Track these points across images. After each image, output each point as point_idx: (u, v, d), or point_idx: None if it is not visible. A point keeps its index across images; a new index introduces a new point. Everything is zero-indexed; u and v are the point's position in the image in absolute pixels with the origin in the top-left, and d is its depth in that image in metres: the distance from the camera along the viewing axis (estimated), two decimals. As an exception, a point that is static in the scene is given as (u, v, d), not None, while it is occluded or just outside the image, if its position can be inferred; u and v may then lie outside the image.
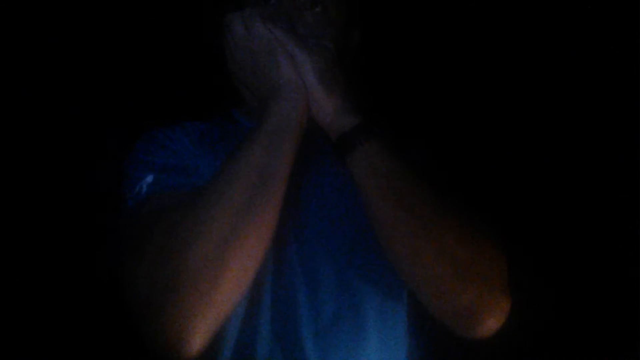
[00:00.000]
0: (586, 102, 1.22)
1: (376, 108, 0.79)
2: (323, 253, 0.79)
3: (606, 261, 1.25)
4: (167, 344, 0.65)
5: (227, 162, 0.69)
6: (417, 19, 1.16)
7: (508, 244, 0.74)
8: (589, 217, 1.25)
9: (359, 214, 0.79)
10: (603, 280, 1.25)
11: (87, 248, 1.20)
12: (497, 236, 0.73)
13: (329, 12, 0.81)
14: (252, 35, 0.74)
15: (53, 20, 1.15)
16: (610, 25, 1.17)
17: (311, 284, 0.78)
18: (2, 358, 1.17)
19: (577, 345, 1.24)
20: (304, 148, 0.79)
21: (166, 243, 0.65)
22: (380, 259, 0.78)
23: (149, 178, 0.77)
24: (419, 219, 0.69)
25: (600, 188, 1.24)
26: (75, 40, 1.18)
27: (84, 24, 1.17)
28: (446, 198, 0.72)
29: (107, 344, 1.21)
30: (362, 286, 0.79)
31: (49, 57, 1.18)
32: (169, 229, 0.66)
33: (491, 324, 0.71)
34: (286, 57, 0.72)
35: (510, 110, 1.22)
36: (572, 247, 1.25)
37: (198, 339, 0.64)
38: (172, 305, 0.63)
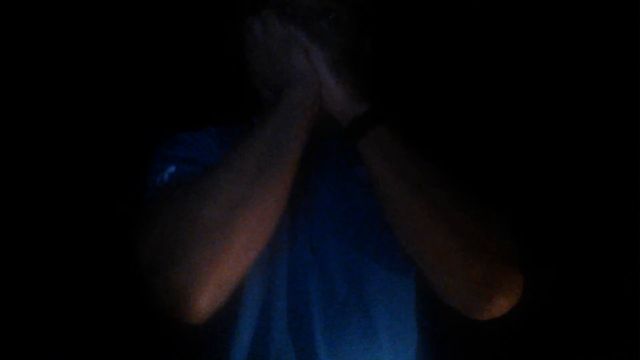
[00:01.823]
0: (586, 96, 1.23)
1: (386, 102, 0.83)
2: (334, 245, 0.82)
3: (606, 258, 1.23)
4: (173, 303, 0.67)
5: (241, 139, 0.74)
6: (425, 20, 1.20)
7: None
8: (588, 213, 1.24)
9: (368, 208, 0.83)
10: (603, 276, 1.23)
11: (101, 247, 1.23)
12: (505, 215, 0.75)
13: (342, 19, 0.85)
14: (269, 32, 0.79)
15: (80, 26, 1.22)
16: (611, 25, 1.19)
17: (322, 274, 0.80)
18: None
19: (578, 343, 1.22)
20: (316, 148, 0.84)
21: (179, 206, 0.70)
22: (389, 251, 0.82)
23: (172, 168, 0.81)
24: (428, 196, 0.71)
25: (599, 179, 1.23)
26: (101, 49, 1.25)
27: (111, 33, 1.24)
28: (454, 177, 0.74)
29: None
30: (370, 277, 0.81)
31: (72, 63, 1.24)
32: (182, 194, 0.71)
33: (503, 300, 0.71)
34: (300, 50, 0.77)
35: (514, 107, 1.23)
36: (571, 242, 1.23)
37: (204, 300, 0.67)
38: (179, 262, 0.66)
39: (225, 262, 0.67)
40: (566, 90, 1.24)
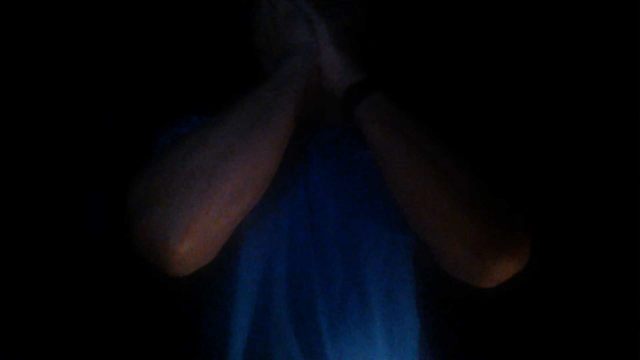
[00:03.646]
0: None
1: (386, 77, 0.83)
2: (333, 227, 0.81)
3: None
4: (152, 248, 0.68)
5: (237, 99, 0.75)
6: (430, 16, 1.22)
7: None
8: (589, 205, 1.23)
9: (368, 191, 0.83)
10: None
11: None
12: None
13: (354, 10, 0.85)
14: (276, 7, 0.82)
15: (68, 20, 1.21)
16: (611, 25, 1.20)
17: (321, 258, 0.79)
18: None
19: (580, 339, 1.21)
20: (317, 135, 0.86)
21: (168, 155, 0.72)
22: (387, 234, 0.81)
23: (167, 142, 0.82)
24: (426, 154, 0.71)
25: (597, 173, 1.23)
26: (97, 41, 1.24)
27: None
28: (453, 139, 0.74)
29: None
30: (367, 261, 0.80)
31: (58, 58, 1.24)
32: (173, 146, 0.74)
33: (507, 261, 0.69)
34: (304, 22, 0.80)
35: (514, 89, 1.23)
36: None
37: (184, 247, 0.67)
38: (160, 205, 0.67)
39: (208, 210, 0.67)
40: (565, 75, 1.24)
